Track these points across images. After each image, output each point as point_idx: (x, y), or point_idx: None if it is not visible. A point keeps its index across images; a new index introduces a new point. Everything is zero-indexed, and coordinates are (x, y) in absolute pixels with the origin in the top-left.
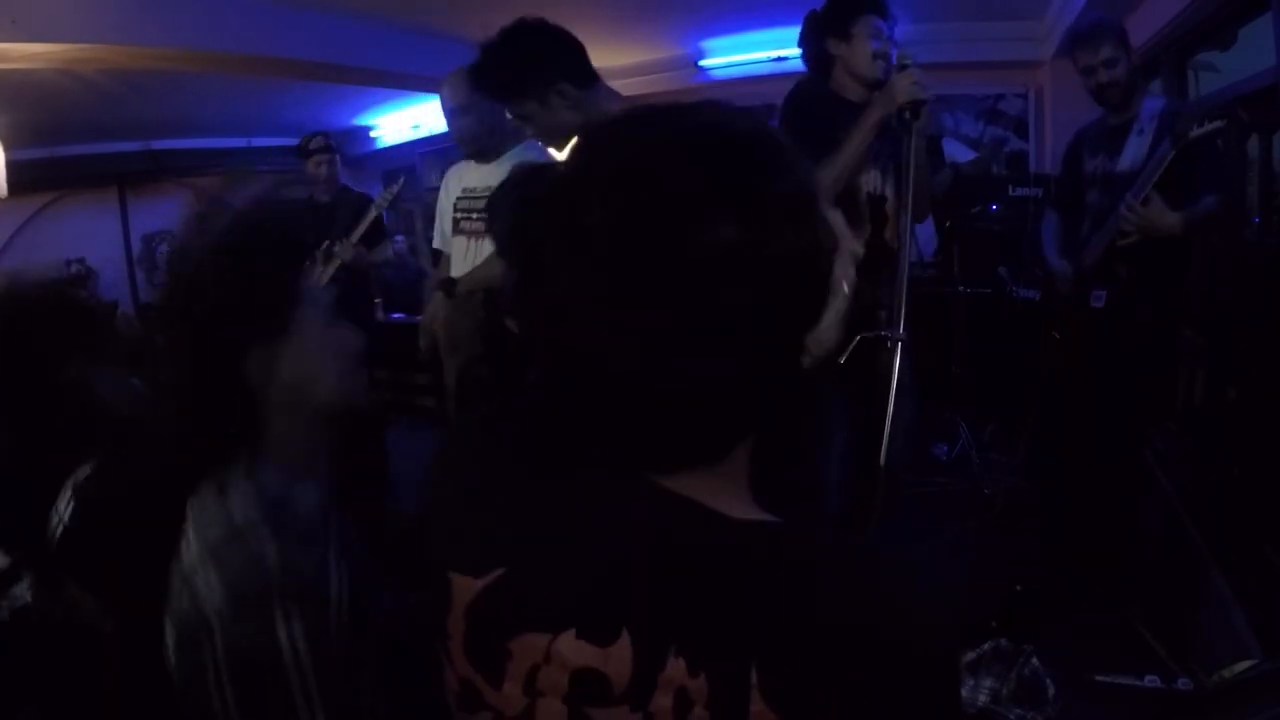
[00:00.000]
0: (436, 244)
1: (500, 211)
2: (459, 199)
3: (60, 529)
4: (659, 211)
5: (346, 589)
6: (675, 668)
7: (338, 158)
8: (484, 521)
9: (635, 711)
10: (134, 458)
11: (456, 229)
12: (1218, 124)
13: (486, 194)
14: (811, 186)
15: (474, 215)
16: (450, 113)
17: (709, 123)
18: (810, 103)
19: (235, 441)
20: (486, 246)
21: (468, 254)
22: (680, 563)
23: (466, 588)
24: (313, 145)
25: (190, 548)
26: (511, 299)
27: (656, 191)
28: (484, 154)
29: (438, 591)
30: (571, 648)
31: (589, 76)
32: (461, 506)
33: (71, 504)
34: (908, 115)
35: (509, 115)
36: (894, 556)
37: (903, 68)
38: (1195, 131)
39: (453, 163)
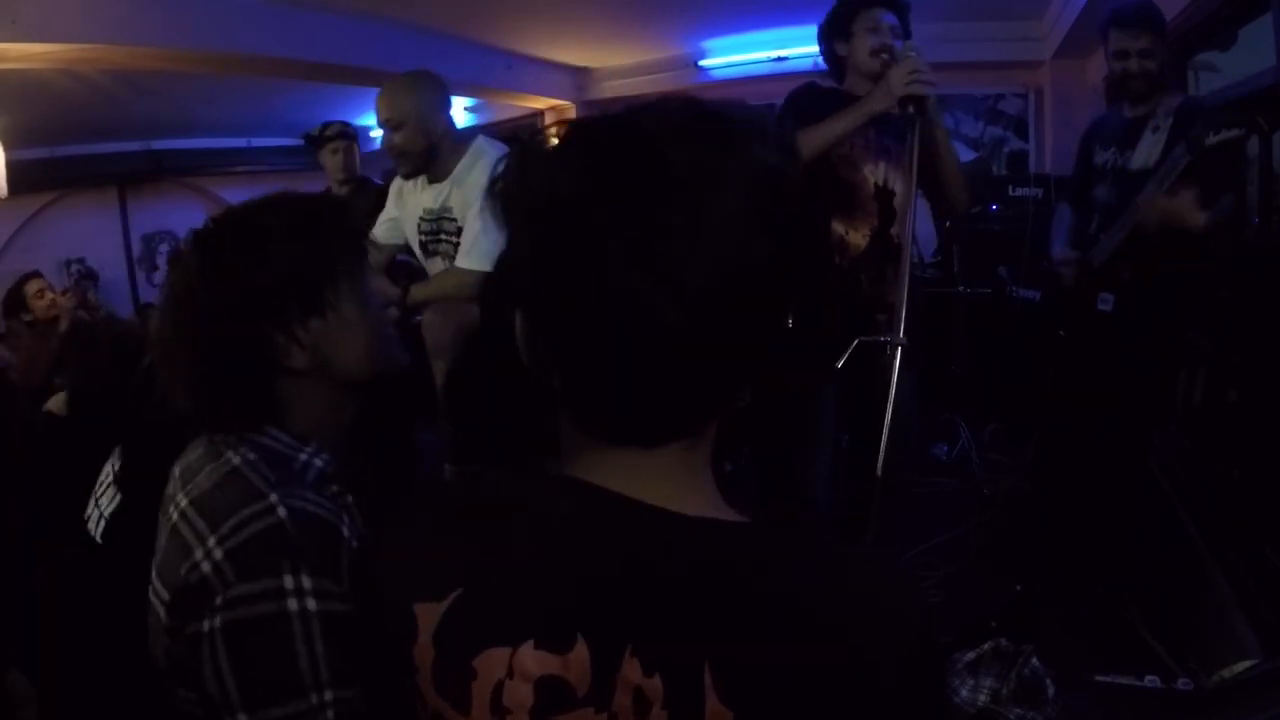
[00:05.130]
0: (384, 239)
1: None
2: (421, 219)
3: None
4: (677, 176)
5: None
6: (631, 668)
7: (355, 146)
8: (439, 550)
9: (600, 712)
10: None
11: (426, 251)
12: (1235, 132)
13: (444, 215)
14: (797, 166)
15: (440, 236)
16: (384, 124)
17: (722, 106)
18: (810, 96)
19: (242, 409)
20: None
21: None
22: (630, 565)
23: (430, 614)
24: (328, 133)
25: (179, 505)
26: (521, 258)
27: (670, 161)
28: (431, 173)
29: (402, 627)
30: (532, 659)
31: None
32: (416, 543)
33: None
34: (911, 110)
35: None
36: (861, 557)
37: (903, 59)
38: (1211, 139)
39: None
